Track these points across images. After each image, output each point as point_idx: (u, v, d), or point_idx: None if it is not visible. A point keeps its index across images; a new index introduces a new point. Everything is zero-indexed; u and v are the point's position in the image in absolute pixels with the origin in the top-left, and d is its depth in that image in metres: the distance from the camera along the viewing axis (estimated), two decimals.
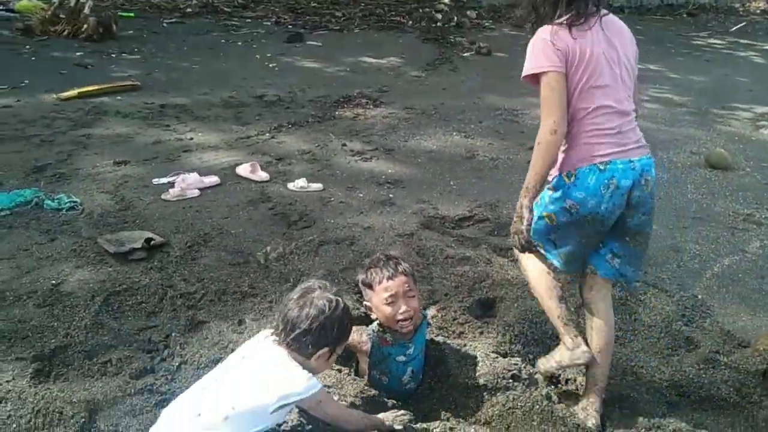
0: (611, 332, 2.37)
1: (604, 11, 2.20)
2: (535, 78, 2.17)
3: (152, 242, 3.44)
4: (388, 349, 2.37)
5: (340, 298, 2.06)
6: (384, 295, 2.29)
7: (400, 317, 2.30)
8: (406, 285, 2.33)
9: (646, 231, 2.29)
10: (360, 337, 2.40)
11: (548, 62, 2.11)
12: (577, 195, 2.16)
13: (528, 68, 2.17)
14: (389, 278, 2.30)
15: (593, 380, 2.36)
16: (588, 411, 2.30)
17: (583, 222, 2.18)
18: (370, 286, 2.36)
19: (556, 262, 2.35)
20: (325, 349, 2.00)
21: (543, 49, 2.12)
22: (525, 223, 2.25)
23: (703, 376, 2.61)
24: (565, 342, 2.35)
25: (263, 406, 1.87)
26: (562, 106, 2.13)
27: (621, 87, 2.18)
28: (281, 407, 1.90)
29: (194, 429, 1.84)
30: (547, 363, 2.45)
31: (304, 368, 1.96)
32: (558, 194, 2.21)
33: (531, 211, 2.25)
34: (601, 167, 2.13)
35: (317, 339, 1.98)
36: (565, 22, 2.12)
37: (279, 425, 2.03)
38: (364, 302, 2.44)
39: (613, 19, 2.23)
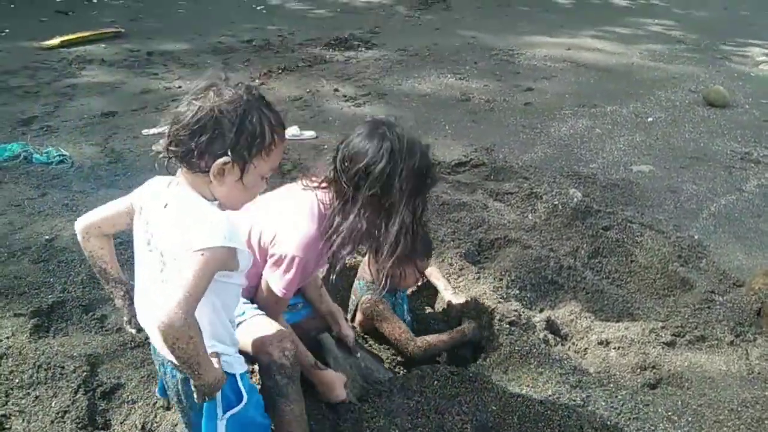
0: None
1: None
2: None
3: None
4: (390, 298, 2.40)
5: (253, 87, 1.40)
6: (423, 268, 2.31)
7: (412, 285, 2.37)
8: None
9: None
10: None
11: None
12: None
13: None
14: (431, 255, 2.33)
15: None
16: None
17: None
18: (412, 257, 2.10)
19: None
20: (224, 159, 1.33)
21: None
22: None
23: (699, 315, 2.63)
24: None
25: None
26: None
27: None
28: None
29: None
30: None
31: (206, 200, 1.39)
32: None
33: None
34: None
35: (209, 142, 1.33)
36: None
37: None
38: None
39: None
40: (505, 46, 7.00)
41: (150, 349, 2.23)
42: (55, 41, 6.28)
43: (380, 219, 1.70)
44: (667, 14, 9.19)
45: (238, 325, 1.79)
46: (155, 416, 2.06)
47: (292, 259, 1.71)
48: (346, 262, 1.94)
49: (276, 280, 1.75)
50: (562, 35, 7.71)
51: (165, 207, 1.40)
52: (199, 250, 1.28)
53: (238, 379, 1.48)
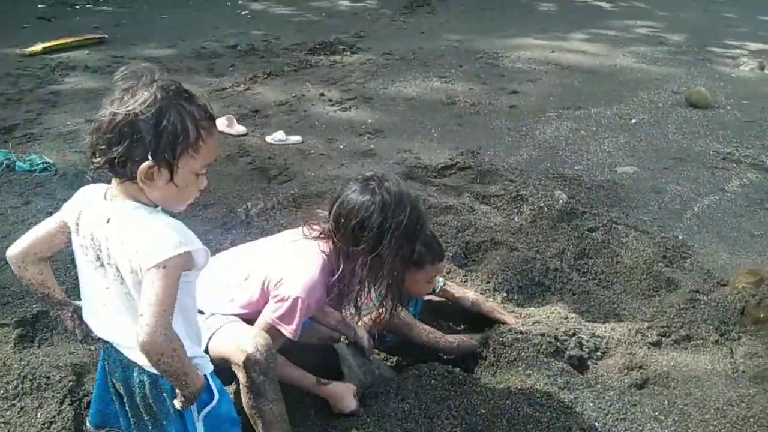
0: None
1: None
2: None
3: None
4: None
5: (170, 84, 1.31)
6: (432, 274, 2.29)
7: (425, 291, 2.38)
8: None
9: None
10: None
11: None
12: None
13: None
14: (441, 260, 2.30)
15: None
16: None
17: None
18: (418, 264, 2.18)
19: None
20: (147, 164, 1.27)
21: None
22: None
23: (684, 315, 2.65)
24: None
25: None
26: None
27: None
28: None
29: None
30: None
31: (147, 206, 1.34)
32: None
33: None
34: None
35: (128, 148, 1.26)
36: None
37: None
38: None
39: None
40: (490, 49, 7.04)
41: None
42: (38, 48, 6.22)
43: (374, 268, 1.84)
44: (650, 16, 9.29)
45: (211, 335, 1.84)
46: None
47: (296, 300, 1.80)
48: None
49: (284, 324, 1.83)
50: (547, 38, 7.77)
51: (108, 222, 1.35)
52: (156, 265, 1.26)
53: (209, 378, 1.48)
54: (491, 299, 2.69)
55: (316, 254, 1.88)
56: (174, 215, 1.40)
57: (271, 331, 1.83)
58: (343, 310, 2.16)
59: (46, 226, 1.49)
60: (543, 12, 9.56)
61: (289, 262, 1.89)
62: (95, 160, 1.30)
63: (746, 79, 6.38)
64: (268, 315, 1.85)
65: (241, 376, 1.76)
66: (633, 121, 5.10)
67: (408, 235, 1.84)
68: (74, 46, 6.47)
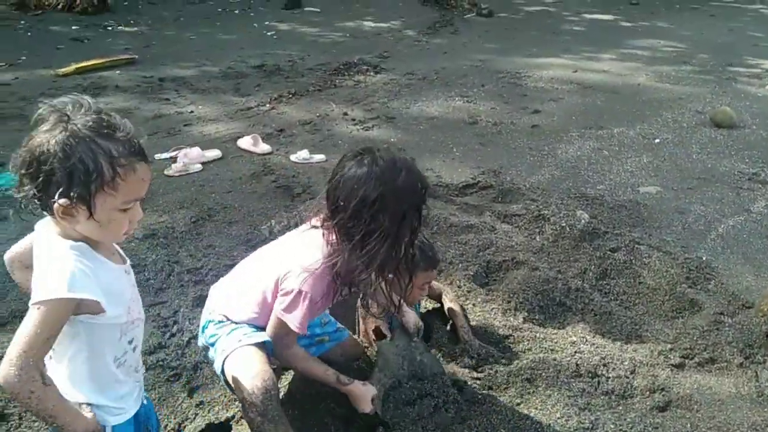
0: None
1: None
2: None
3: None
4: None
5: (84, 120, 1.27)
6: (423, 281, 2.29)
7: (420, 299, 2.40)
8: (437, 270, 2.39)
9: None
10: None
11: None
12: None
13: None
14: (434, 267, 2.32)
15: None
16: None
17: None
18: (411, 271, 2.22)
19: None
20: (62, 201, 1.25)
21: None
22: None
23: (708, 337, 2.63)
24: None
25: None
26: None
27: None
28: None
29: None
30: None
31: (69, 241, 1.32)
32: None
33: None
34: None
35: (44, 185, 1.25)
36: None
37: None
38: None
39: None
40: (513, 69, 7.08)
41: (159, 374, 2.26)
42: (71, 68, 6.42)
43: (382, 239, 1.73)
44: (673, 36, 9.25)
45: (225, 357, 1.85)
46: None
47: (299, 293, 1.78)
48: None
49: (289, 316, 1.81)
50: (569, 57, 7.78)
51: (37, 257, 1.36)
52: (35, 303, 1.24)
53: (108, 430, 1.43)
54: (512, 318, 2.70)
55: (321, 245, 1.82)
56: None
57: (281, 325, 1.83)
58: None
59: (27, 240, 1.52)
60: (565, 31, 9.58)
61: (295, 254, 1.85)
62: (19, 195, 1.28)
63: None
64: (276, 309, 1.85)
65: (243, 411, 1.80)
66: (656, 140, 5.07)
67: (410, 198, 1.76)
68: (106, 66, 6.66)
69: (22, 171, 1.26)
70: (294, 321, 1.80)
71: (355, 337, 2.50)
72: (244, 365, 1.80)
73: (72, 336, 1.35)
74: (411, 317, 2.24)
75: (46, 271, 1.28)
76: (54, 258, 1.30)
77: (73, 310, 1.29)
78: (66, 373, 1.40)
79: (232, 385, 1.82)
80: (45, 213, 1.31)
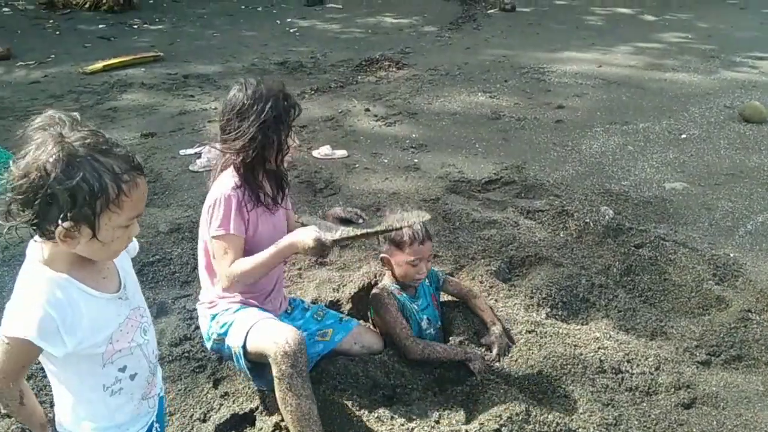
0: None
1: None
2: None
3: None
4: (402, 298, 2.45)
5: (83, 136, 1.20)
6: (412, 257, 2.38)
7: (417, 277, 2.42)
8: (431, 249, 2.45)
9: None
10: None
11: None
12: None
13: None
14: (421, 243, 2.38)
15: None
16: None
17: None
18: (398, 245, 2.39)
19: None
20: (66, 224, 1.18)
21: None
22: None
23: (735, 335, 2.59)
24: None
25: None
26: None
27: None
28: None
29: None
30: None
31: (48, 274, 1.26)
32: None
33: None
34: None
35: (43, 209, 1.17)
36: None
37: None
38: (382, 254, 2.48)
39: None
40: (536, 64, 7.02)
41: (185, 365, 2.30)
42: (98, 66, 6.54)
43: (251, 140, 1.99)
44: (701, 30, 9.08)
45: (248, 330, 2.00)
46: (192, 428, 2.12)
47: (210, 206, 2.01)
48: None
49: (214, 226, 2.00)
50: (593, 52, 7.69)
51: (19, 278, 1.31)
52: (6, 337, 1.23)
53: None
54: (535, 313, 2.68)
55: (227, 169, 2.08)
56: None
57: (217, 246, 1.99)
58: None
59: None
60: (589, 26, 9.47)
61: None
62: (12, 220, 1.18)
63: None
64: (208, 235, 2.03)
65: (274, 369, 1.90)
66: (683, 136, 5.00)
67: (272, 108, 1.98)
68: (132, 64, 6.76)
69: (17, 195, 1.16)
70: (218, 224, 1.97)
71: (368, 325, 2.52)
72: (273, 327, 1.98)
73: (62, 364, 1.32)
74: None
75: (20, 304, 1.25)
76: (30, 289, 1.25)
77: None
78: (71, 400, 1.39)
79: (262, 350, 1.93)
80: (38, 238, 1.23)
